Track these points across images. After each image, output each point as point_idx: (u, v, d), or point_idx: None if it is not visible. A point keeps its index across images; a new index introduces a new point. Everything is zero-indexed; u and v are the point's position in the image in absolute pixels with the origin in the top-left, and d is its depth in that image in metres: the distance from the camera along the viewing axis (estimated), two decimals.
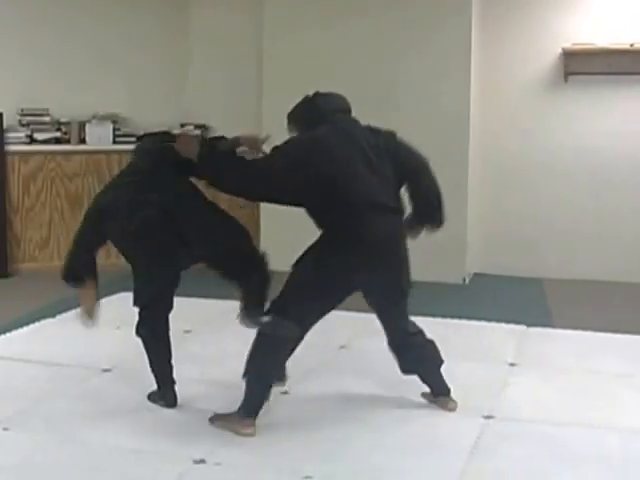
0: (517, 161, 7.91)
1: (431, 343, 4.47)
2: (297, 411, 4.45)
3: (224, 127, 8.06)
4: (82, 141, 8.14)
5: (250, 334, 4.15)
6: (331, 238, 4.10)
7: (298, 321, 4.05)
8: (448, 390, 4.49)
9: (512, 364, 5.25)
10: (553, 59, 7.67)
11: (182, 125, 8.44)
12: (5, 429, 4.17)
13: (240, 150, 4.21)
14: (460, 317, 6.29)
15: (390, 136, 4.37)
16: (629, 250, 7.73)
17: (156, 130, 8.30)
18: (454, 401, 4.46)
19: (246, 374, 4.11)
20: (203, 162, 4.15)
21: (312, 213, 4.16)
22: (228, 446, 3.99)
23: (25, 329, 5.95)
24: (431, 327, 5.63)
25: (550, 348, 5.60)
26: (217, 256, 4.37)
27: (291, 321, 4.04)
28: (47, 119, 8.05)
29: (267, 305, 4.25)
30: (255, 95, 8.05)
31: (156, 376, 4.45)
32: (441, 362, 4.47)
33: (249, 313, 4.35)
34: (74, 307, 6.45)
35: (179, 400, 4.47)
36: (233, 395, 4.18)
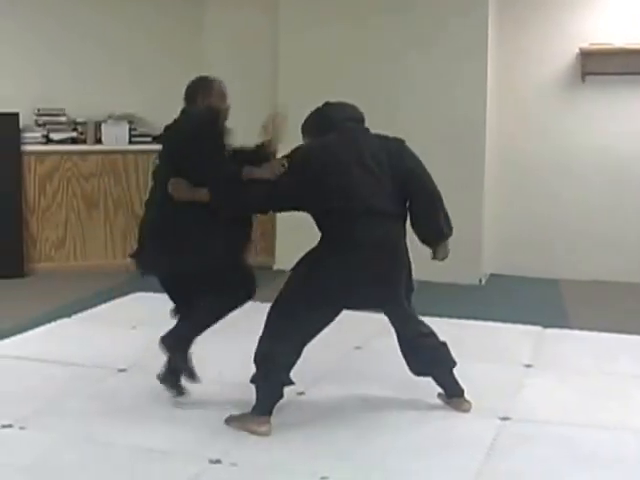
0: (533, 161, 7.88)
1: (443, 345, 4.45)
2: (313, 412, 4.44)
3: (239, 126, 8.08)
4: (98, 141, 8.16)
5: None
6: (328, 241, 4.15)
7: (294, 329, 4.09)
8: (462, 391, 4.47)
9: (528, 365, 5.23)
10: (570, 59, 7.65)
11: None
12: (21, 428, 4.19)
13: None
14: (476, 318, 6.27)
15: (398, 145, 4.37)
16: None
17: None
18: (468, 402, 4.45)
19: (253, 379, 4.17)
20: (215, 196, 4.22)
21: (313, 217, 4.22)
22: (244, 446, 4.00)
23: (41, 329, 5.96)
24: (447, 328, 5.63)
25: (566, 349, 5.58)
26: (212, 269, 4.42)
27: (287, 332, 4.09)
28: (63, 119, 8.07)
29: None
30: (270, 95, 8.04)
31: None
32: (453, 364, 4.45)
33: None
34: (90, 307, 6.51)
35: (195, 401, 4.48)
36: (250, 395, 4.18)
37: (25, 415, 4.34)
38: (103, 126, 8.13)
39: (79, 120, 8.12)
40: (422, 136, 7.45)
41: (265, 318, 4.20)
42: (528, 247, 7.94)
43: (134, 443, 4.04)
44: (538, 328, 6.02)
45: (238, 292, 4.49)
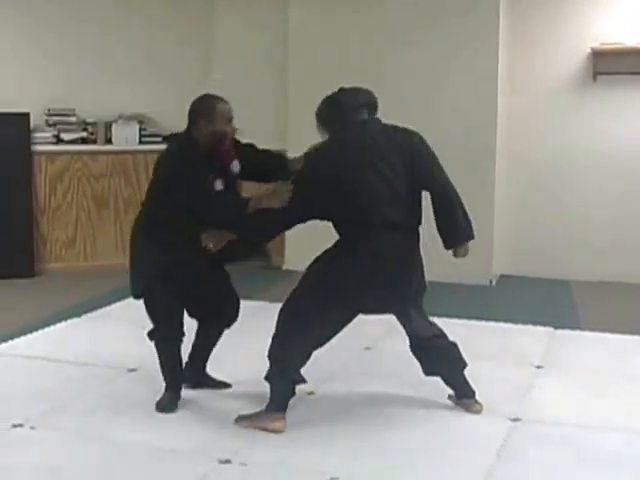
0: (544, 161, 7.86)
1: (453, 346, 4.44)
2: (323, 411, 4.44)
3: (249, 127, 8.09)
4: (108, 141, 8.17)
5: None
6: (344, 243, 4.16)
7: (304, 327, 4.10)
8: (473, 392, 4.46)
9: (539, 366, 5.21)
10: (582, 59, 7.62)
11: None
12: (32, 428, 4.20)
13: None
14: (486, 319, 6.26)
15: (411, 139, 4.32)
16: None
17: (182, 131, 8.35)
18: (479, 404, 4.44)
19: (267, 376, 4.17)
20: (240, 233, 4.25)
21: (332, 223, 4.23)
22: (253, 446, 3.99)
23: (51, 328, 5.97)
24: (457, 329, 5.61)
25: (577, 350, 5.56)
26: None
27: (299, 330, 4.10)
28: (74, 119, 8.08)
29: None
30: (281, 95, 8.04)
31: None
32: (464, 365, 4.44)
33: None
34: (100, 306, 6.52)
35: (205, 400, 4.48)
36: (260, 395, 4.19)
37: (35, 414, 4.34)
38: (113, 126, 8.14)
39: (89, 120, 8.14)
40: (432, 136, 7.41)
41: (278, 316, 4.19)
42: (539, 248, 7.92)
43: (144, 442, 4.05)
44: (549, 329, 6.01)
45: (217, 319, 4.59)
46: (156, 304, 4.39)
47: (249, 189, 4.86)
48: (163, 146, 7.90)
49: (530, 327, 6.07)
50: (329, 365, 5.04)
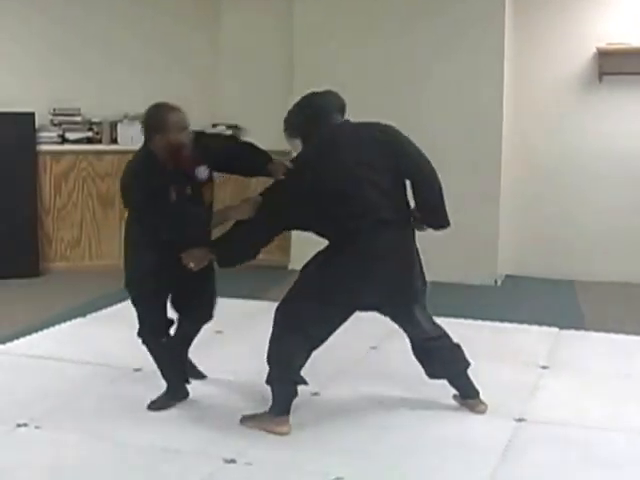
0: (549, 162, 7.85)
1: (457, 347, 4.43)
2: (327, 412, 4.43)
3: (255, 127, 8.10)
4: (114, 141, 8.17)
5: None
6: (337, 244, 4.12)
7: (301, 327, 4.08)
8: (477, 392, 4.46)
9: (544, 367, 5.21)
10: (587, 59, 7.61)
11: (214, 125, 8.45)
12: (37, 427, 4.20)
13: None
14: (491, 319, 6.25)
15: (388, 132, 4.25)
16: None
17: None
18: (483, 403, 4.43)
19: (268, 380, 4.17)
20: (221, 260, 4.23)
21: (316, 232, 4.20)
22: (259, 446, 3.99)
23: (56, 328, 5.98)
24: (462, 329, 5.61)
25: (582, 351, 5.56)
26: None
27: (294, 331, 4.08)
28: (79, 119, 8.09)
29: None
30: (286, 95, 8.04)
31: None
32: (467, 365, 4.43)
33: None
34: (105, 306, 6.52)
35: (210, 400, 4.48)
36: (264, 394, 4.19)
37: (40, 414, 4.35)
38: (119, 126, 8.15)
39: (94, 120, 8.15)
40: (439, 136, 7.47)
41: (274, 318, 4.18)
42: (544, 248, 7.91)
43: (149, 442, 4.05)
44: (554, 329, 6.00)
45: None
46: (143, 300, 4.39)
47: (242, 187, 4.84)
48: None
49: (535, 327, 6.07)
50: (334, 365, 5.04)
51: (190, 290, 4.41)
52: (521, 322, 6.17)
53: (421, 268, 4.32)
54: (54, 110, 8.03)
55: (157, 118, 4.16)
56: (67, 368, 5.13)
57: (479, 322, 6.17)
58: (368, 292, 4.12)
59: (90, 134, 8.11)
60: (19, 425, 4.19)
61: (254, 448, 3.97)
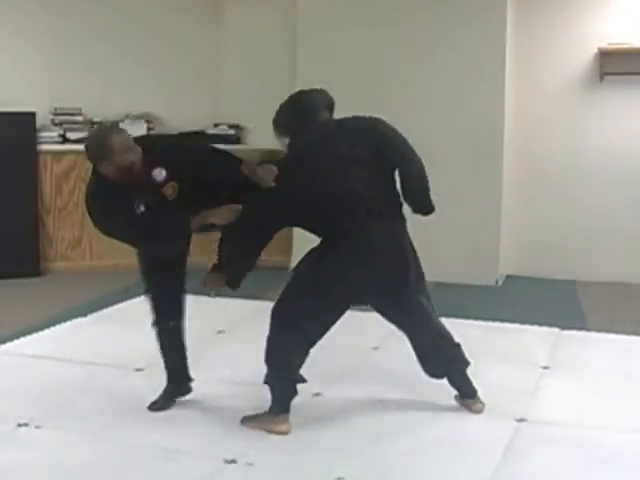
0: (551, 162, 7.85)
1: (456, 346, 4.43)
2: (329, 412, 4.43)
3: (257, 126, 8.09)
4: None
5: None
6: (329, 240, 4.12)
7: (298, 324, 4.07)
8: (475, 392, 4.46)
9: (545, 367, 5.20)
10: (588, 59, 7.60)
11: (216, 125, 8.45)
12: (37, 427, 4.20)
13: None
14: (493, 319, 6.25)
15: (372, 125, 4.23)
16: None
17: (190, 130, 8.36)
18: (481, 403, 4.44)
19: (266, 380, 4.16)
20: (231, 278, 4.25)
21: (310, 230, 4.20)
22: (260, 446, 3.99)
23: (57, 328, 5.98)
24: (463, 329, 5.60)
25: (584, 351, 5.55)
26: None
27: (292, 329, 4.07)
28: (80, 118, 8.09)
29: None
30: (289, 94, 8.03)
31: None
32: (467, 364, 4.43)
33: None
34: (106, 306, 6.52)
35: (211, 400, 4.48)
36: (265, 395, 4.18)
37: (41, 414, 4.34)
38: (120, 125, 8.13)
39: (96, 119, 8.14)
40: (440, 136, 7.47)
41: (270, 318, 4.17)
42: (545, 248, 7.91)
43: (150, 442, 4.05)
44: (555, 330, 5.99)
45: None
46: (154, 288, 4.41)
47: None
48: None
49: (536, 328, 6.06)
50: (336, 366, 5.04)
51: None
52: (522, 322, 6.16)
53: (417, 261, 4.30)
54: (55, 110, 8.03)
55: (100, 146, 4.03)
56: (68, 368, 5.13)
57: (480, 322, 6.16)
58: (365, 286, 4.12)
59: None
60: (20, 425, 4.19)
61: (255, 448, 3.97)
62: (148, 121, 8.23)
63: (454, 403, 4.48)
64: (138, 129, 8.11)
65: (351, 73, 7.62)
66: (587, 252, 7.78)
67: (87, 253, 8.09)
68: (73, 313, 6.31)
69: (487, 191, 7.46)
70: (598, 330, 6.01)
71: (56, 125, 8.04)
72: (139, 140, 4.15)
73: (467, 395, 4.46)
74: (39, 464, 3.79)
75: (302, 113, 4.24)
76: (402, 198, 4.23)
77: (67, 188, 8.05)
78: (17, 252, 7.73)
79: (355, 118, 4.26)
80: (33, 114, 7.78)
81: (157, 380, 4.64)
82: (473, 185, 7.47)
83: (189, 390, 4.53)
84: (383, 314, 4.38)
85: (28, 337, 5.73)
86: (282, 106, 4.31)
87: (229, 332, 5.79)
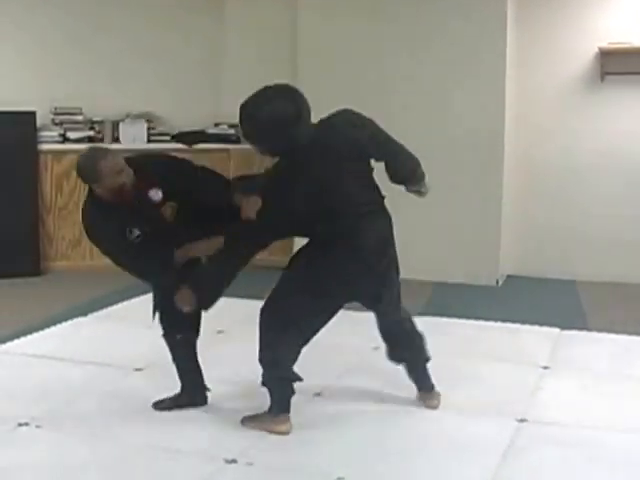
0: (551, 162, 7.84)
1: (420, 337, 4.42)
2: (330, 412, 4.43)
3: None
4: (115, 140, 8.16)
5: None
6: (317, 240, 4.09)
7: (289, 324, 4.05)
8: (432, 387, 4.47)
9: (545, 367, 5.19)
10: (589, 58, 7.59)
11: (216, 124, 8.45)
12: (37, 427, 4.19)
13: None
14: (493, 319, 6.24)
15: (347, 120, 4.12)
16: None
17: (190, 129, 8.36)
18: (437, 399, 4.45)
19: (263, 381, 4.15)
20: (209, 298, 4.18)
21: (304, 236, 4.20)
22: (260, 446, 3.99)
23: (57, 327, 5.98)
24: (464, 329, 5.61)
25: (584, 351, 5.54)
26: None
27: (284, 328, 4.05)
28: (80, 118, 8.09)
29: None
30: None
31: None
32: (427, 357, 4.43)
33: None
34: (106, 306, 6.52)
35: (211, 400, 4.49)
36: (265, 395, 4.17)
37: (41, 414, 4.34)
38: (121, 125, 8.14)
39: (96, 119, 8.15)
40: (440, 136, 7.47)
41: (260, 317, 4.15)
42: (545, 248, 7.91)
43: (150, 442, 4.04)
44: (555, 330, 5.98)
45: None
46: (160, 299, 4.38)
47: None
48: (172, 145, 7.97)
49: (536, 327, 6.05)
50: (337, 365, 5.04)
51: None
52: (522, 322, 6.16)
53: (396, 259, 4.27)
54: (55, 109, 8.03)
55: (88, 170, 4.05)
56: (68, 367, 5.13)
57: (480, 322, 6.14)
58: (358, 286, 4.11)
59: (91, 133, 8.11)
60: (20, 424, 4.19)
61: (255, 448, 3.97)
62: (149, 120, 8.23)
63: (455, 403, 4.47)
64: (139, 128, 8.13)
65: (351, 72, 7.62)
66: (588, 252, 7.78)
67: (87, 253, 8.08)
68: (73, 313, 6.31)
69: (487, 191, 7.45)
70: (598, 330, 6.00)
71: (56, 124, 8.04)
72: (131, 161, 4.13)
73: (423, 388, 4.47)
74: (39, 464, 3.78)
75: (274, 134, 3.98)
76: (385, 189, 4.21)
77: (67, 188, 8.05)
78: (17, 252, 7.74)
79: (333, 117, 4.15)
80: (33, 113, 7.78)
81: (157, 380, 4.65)
82: (473, 185, 7.47)
83: (204, 401, 4.49)
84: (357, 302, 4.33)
85: (28, 337, 5.72)
86: (250, 126, 4.06)
87: (229, 332, 5.79)
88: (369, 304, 4.30)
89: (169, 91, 8.41)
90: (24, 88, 7.92)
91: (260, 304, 4.20)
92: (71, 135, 8.03)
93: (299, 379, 4.15)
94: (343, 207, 4.01)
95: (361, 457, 3.90)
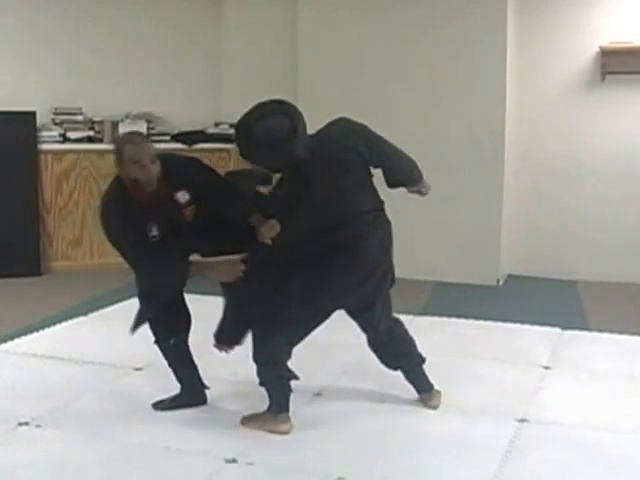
0: (552, 161, 7.84)
1: (410, 341, 4.42)
2: (330, 412, 4.42)
3: None
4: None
5: None
6: (325, 252, 4.03)
7: (285, 323, 4.05)
8: (431, 387, 4.47)
9: (546, 367, 5.19)
10: (590, 58, 7.58)
11: (216, 124, 8.45)
12: (37, 426, 4.19)
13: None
14: (494, 319, 6.23)
15: (343, 130, 4.13)
16: None
17: (190, 129, 8.35)
18: (438, 399, 4.45)
19: (260, 382, 4.15)
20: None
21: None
22: (260, 446, 3.98)
23: (57, 327, 5.97)
24: (464, 329, 5.60)
25: (585, 351, 5.54)
26: None
27: (280, 328, 4.04)
28: (80, 118, 8.08)
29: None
30: (290, 93, 8.02)
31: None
32: (421, 360, 4.43)
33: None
34: (106, 305, 6.51)
35: (211, 400, 4.48)
36: (264, 395, 4.17)
37: (41, 413, 4.34)
38: (120, 125, 8.13)
39: (96, 119, 8.14)
40: (441, 136, 7.46)
41: (255, 318, 4.15)
42: (546, 248, 7.90)
43: (150, 442, 4.04)
44: (556, 330, 5.98)
45: None
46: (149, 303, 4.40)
47: None
48: (171, 145, 7.97)
49: (537, 327, 6.05)
50: (337, 366, 5.04)
51: None
52: (523, 322, 6.15)
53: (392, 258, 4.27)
54: (55, 109, 8.03)
55: (116, 147, 4.07)
56: (68, 367, 5.13)
57: (481, 322, 6.14)
58: (355, 292, 4.10)
59: (91, 133, 8.11)
60: (20, 424, 4.19)
61: (255, 448, 3.96)
62: (148, 120, 8.23)
63: (455, 404, 4.47)
64: (138, 128, 8.11)
65: (352, 72, 7.62)
66: (588, 252, 7.77)
67: (88, 252, 8.08)
68: (73, 312, 6.31)
69: (488, 190, 7.45)
70: (599, 330, 6.00)
71: (56, 124, 8.03)
72: (162, 159, 4.05)
73: (422, 389, 4.47)
74: (40, 463, 3.78)
75: (273, 152, 3.96)
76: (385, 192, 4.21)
77: (67, 187, 8.04)
78: (17, 251, 7.73)
79: (330, 127, 4.16)
80: (33, 113, 7.77)
81: (157, 380, 4.64)
82: (474, 184, 7.46)
83: (204, 400, 4.50)
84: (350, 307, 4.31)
85: (29, 336, 5.72)
86: (247, 142, 4.01)
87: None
88: (361, 310, 4.28)
89: (169, 91, 8.41)
90: (24, 88, 7.91)
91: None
92: (71, 135, 8.03)
93: (296, 377, 4.14)
94: (351, 217, 4.01)
95: (361, 457, 3.90)
